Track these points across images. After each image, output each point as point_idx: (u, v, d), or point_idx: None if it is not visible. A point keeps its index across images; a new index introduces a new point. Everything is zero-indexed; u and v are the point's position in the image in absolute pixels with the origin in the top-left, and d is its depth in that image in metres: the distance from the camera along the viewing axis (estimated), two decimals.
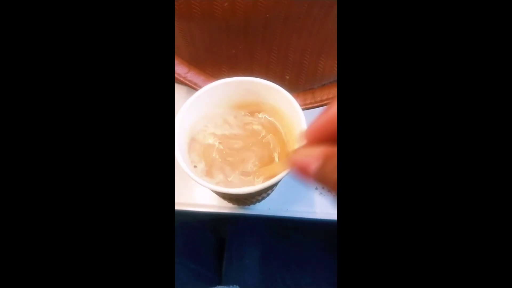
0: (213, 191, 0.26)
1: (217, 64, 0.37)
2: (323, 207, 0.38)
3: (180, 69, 0.30)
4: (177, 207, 0.38)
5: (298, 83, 0.40)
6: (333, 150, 0.17)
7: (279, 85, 0.30)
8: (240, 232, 0.44)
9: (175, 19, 0.30)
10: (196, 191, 0.39)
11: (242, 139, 0.31)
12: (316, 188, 0.39)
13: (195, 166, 0.29)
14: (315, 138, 0.19)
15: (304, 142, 0.19)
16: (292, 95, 0.30)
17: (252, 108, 0.32)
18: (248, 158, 0.30)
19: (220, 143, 0.30)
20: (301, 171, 0.18)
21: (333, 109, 0.18)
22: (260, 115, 0.32)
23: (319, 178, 0.17)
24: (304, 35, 0.34)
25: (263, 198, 0.34)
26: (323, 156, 0.17)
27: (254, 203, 0.35)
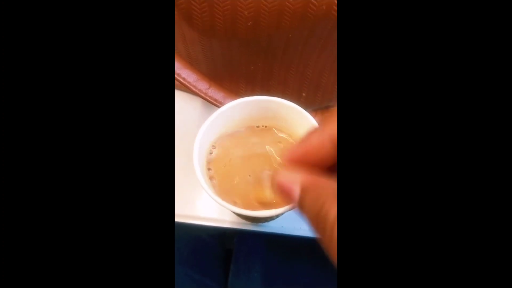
0: (234, 212, 0.26)
1: (234, 79, 0.37)
2: None
3: (201, 85, 0.30)
4: (187, 220, 0.38)
5: (314, 100, 0.40)
6: (312, 179, 0.16)
7: (296, 102, 0.30)
8: (248, 245, 0.43)
9: (199, 36, 0.30)
10: (208, 205, 0.38)
11: (259, 158, 0.30)
12: None
13: (210, 178, 0.29)
14: (293, 163, 0.18)
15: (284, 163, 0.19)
16: (310, 113, 0.30)
17: (270, 126, 0.32)
18: (264, 178, 0.29)
19: (237, 161, 0.30)
20: (284, 196, 0.17)
21: (314, 138, 0.17)
22: (279, 134, 0.32)
23: (300, 208, 0.16)
24: (324, 55, 0.34)
25: (278, 216, 0.34)
26: (302, 184, 0.16)
27: (268, 221, 0.35)
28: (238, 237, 0.44)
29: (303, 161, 0.18)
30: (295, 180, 0.17)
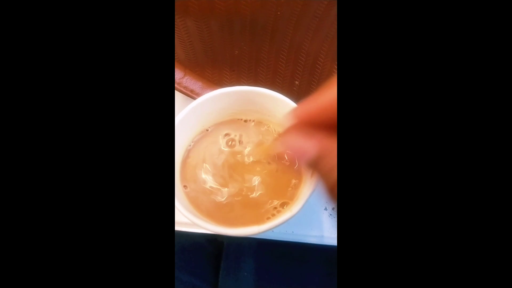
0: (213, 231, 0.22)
1: (217, 66, 0.33)
2: (331, 230, 0.34)
3: (174, 74, 0.25)
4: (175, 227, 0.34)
5: (309, 89, 0.35)
6: (332, 144, 0.16)
7: (287, 92, 0.25)
8: (238, 243, 0.40)
9: None
10: None
11: (245, 157, 0.26)
12: (326, 209, 0.35)
13: (185, 186, 0.25)
14: (308, 122, 0.17)
15: (293, 120, 0.18)
16: None
17: (255, 120, 0.28)
18: (252, 180, 0.25)
19: (219, 162, 0.26)
20: (295, 156, 0.18)
21: (333, 91, 0.16)
22: (264, 128, 0.28)
23: (316, 171, 0.17)
24: (319, 37, 0.29)
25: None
26: (321, 148, 0.16)
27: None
28: (227, 236, 0.41)
29: (322, 116, 0.17)
30: (309, 143, 0.17)
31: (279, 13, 0.25)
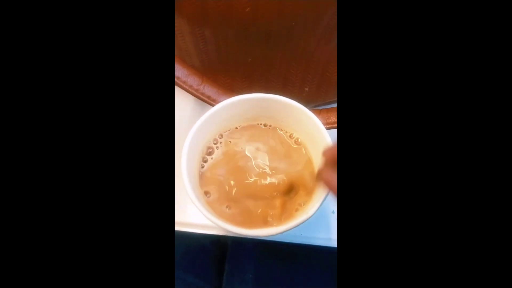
0: (231, 231, 0.22)
1: (230, 72, 0.34)
2: None
3: (192, 80, 0.27)
4: (177, 227, 0.35)
5: (318, 95, 0.36)
6: None
7: (298, 97, 0.26)
8: (243, 244, 0.41)
9: (188, 24, 0.26)
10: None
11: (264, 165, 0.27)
12: (333, 212, 0.36)
13: (207, 195, 0.26)
14: (335, 162, 0.19)
15: (324, 160, 0.20)
16: (314, 112, 0.27)
17: (273, 126, 0.29)
18: (268, 183, 0.26)
19: (235, 165, 0.27)
20: (329, 188, 0.20)
21: None
22: (280, 132, 0.29)
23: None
24: (330, 47, 0.30)
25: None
26: None
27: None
28: (232, 238, 0.41)
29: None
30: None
31: (294, 23, 0.26)
